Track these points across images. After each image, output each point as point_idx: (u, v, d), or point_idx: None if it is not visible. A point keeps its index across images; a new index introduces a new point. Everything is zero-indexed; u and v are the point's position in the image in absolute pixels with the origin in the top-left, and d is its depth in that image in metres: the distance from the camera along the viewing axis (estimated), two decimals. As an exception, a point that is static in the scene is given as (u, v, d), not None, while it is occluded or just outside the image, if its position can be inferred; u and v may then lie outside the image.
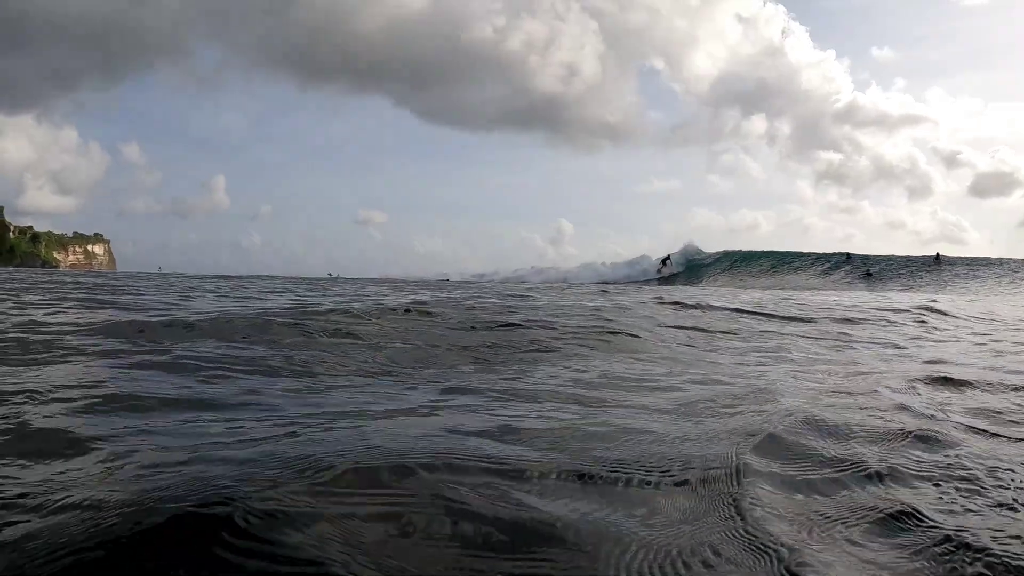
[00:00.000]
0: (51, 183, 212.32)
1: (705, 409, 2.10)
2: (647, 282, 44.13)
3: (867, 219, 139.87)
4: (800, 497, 1.37)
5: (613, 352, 3.73)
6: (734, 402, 2.20)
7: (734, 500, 1.27)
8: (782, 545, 1.10)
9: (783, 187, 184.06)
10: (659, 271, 49.83)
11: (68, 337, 3.65)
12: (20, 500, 1.20)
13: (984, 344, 5.01)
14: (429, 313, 5.12)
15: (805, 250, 47.16)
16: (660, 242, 52.22)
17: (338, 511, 1.07)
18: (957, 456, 1.72)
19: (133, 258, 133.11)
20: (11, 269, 46.82)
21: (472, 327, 4.50)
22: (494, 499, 1.17)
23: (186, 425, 1.76)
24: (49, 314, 5.39)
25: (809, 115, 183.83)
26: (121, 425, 1.74)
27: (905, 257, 42.86)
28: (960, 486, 1.50)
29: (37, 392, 2.11)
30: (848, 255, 45.15)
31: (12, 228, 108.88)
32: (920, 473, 1.59)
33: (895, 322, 6.56)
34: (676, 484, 1.34)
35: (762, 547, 1.10)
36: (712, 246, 52.08)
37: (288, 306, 6.39)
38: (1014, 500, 1.42)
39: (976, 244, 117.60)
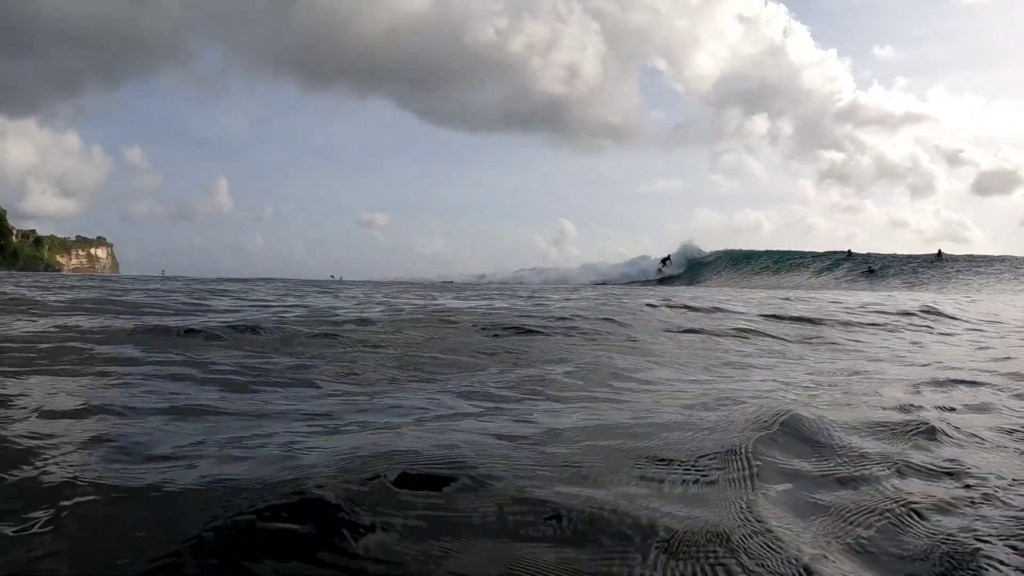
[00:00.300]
0: (54, 187, 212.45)
1: (720, 407, 2.27)
2: (648, 283, 44.16)
3: (870, 218, 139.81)
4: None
5: (631, 355, 3.88)
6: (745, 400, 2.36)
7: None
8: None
9: (785, 187, 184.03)
10: (659, 271, 49.84)
11: (104, 347, 3.81)
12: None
13: (988, 347, 5.16)
14: (452, 322, 5.29)
15: (807, 249, 47.11)
16: (663, 242, 52.34)
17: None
18: (958, 461, 1.88)
19: (136, 261, 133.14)
20: (16, 273, 47.09)
21: (495, 334, 4.68)
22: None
23: (293, 426, 1.91)
24: (74, 319, 5.55)
25: (811, 114, 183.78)
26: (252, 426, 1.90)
27: (907, 255, 42.84)
28: (956, 486, 1.66)
29: (114, 403, 2.27)
30: (849, 252, 45.12)
31: (15, 232, 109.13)
32: (915, 471, 1.74)
33: (899, 325, 6.71)
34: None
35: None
36: (714, 246, 52.04)
37: (305, 313, 6.56)
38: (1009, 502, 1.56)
39: (979, 242, 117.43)
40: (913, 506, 1.51)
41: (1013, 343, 5.59)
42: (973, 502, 1.57)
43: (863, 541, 1.35)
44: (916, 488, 1.64)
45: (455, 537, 1.22)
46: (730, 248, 51.15)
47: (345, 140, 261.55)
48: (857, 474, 1.73)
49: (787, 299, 12.02)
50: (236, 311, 6.89)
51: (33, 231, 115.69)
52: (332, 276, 51.18)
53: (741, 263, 47.88)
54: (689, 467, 1.64)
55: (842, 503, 1.51)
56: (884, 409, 2.48)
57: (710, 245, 52.08)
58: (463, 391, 2.68)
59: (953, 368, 3.79)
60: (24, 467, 1.54)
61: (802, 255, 46.31)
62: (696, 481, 1.55)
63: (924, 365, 3.94)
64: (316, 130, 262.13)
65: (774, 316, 6.89)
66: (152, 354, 3.61)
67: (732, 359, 4.01)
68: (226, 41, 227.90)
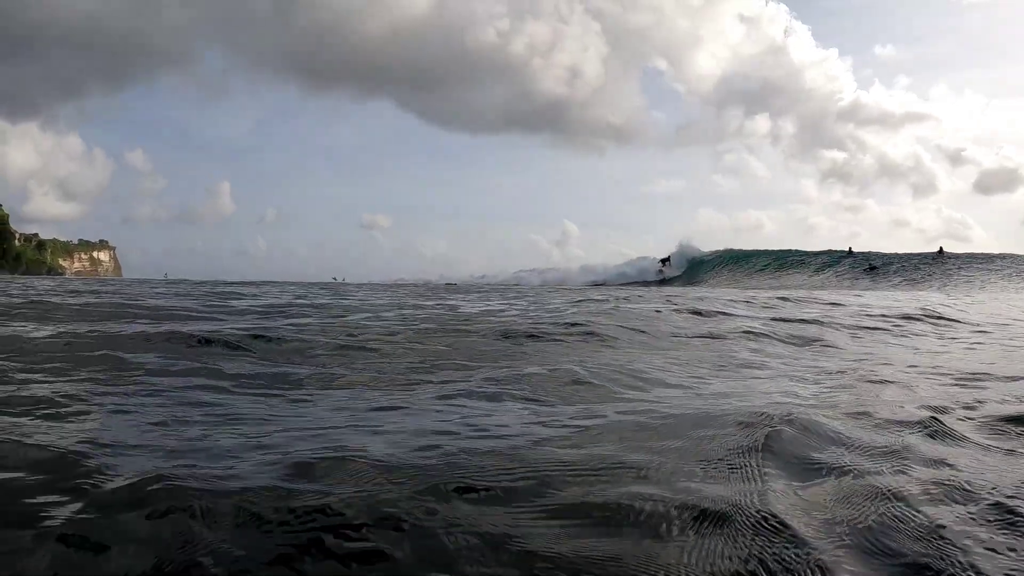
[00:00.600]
0: (56, 190, 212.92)
1: (735, 408, 2.43)
2: (647, 284, 44.19)
3: (872, 217, 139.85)
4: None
5: (654, 358, 4.05)
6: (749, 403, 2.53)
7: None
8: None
9: (787, 186, 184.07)
10: (659, 272, 49.85)
11: (151, 356, 3.96)
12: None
13: (992, 350, 5.31)
14: (469, 332, 5.46)
15: (811, 249, 47.08)
16: (665, 243, 52.38)
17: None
18: (955, 466, 2.04)
19: (138, 265, 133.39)
20: (20, 277, 47.30)
21: (518, 342, 4.89)
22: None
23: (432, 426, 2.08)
24: (99, 325, 5.69)
25: (812, 114, 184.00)
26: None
27: (908, 254, 42.90)
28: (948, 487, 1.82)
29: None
30: (850, 250, 45.17)
31: (18, 236, 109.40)
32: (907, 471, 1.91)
33: (905, 330, 6.86)
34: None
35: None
36: (716, 246, 52.04)
37: (328, 318, 6.72)
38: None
39: (981, 241, 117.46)
40: (901, 498, 1.68)
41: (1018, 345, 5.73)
42: (960, 497, 1.74)
43: (855, 523, 1.54)
44: (905, 483, 1.80)
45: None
46: (730, 248, 51.20)
47: (347, 142, 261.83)
48: (853, 468, 1.91)
49: (789, 300, 12.16)
50: (256, 323, 7.04)
51: (36, 235, 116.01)
52: (334, 278, 51.22)
53: (741, 262, 47.89)
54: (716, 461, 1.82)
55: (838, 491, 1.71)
56: (885, 410, 2.65)
57: (712, 245, 52.16)
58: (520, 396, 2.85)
59: (955, 373, 3.94)
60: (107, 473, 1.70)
61: (803, 254, 46.34)
62: (719, 469, 1.75)
63: (930, 368, 4.09)
64: (318, 132, 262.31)
65: (781, 319, 7.05)
66: (182, 362, 3.78)
67: (741, 362, 4.17)
68: (228, 44, 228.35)
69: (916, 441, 2.27)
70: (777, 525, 1.48)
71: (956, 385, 3.49)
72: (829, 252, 45.52)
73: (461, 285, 35.05)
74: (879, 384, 3.46)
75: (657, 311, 7.28)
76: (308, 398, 2.90)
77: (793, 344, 5.54)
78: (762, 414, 2.38)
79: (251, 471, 1.74)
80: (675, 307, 8.22)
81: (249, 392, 3.01)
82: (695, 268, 49.29)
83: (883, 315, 8.20)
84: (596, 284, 43.95)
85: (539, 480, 1.70)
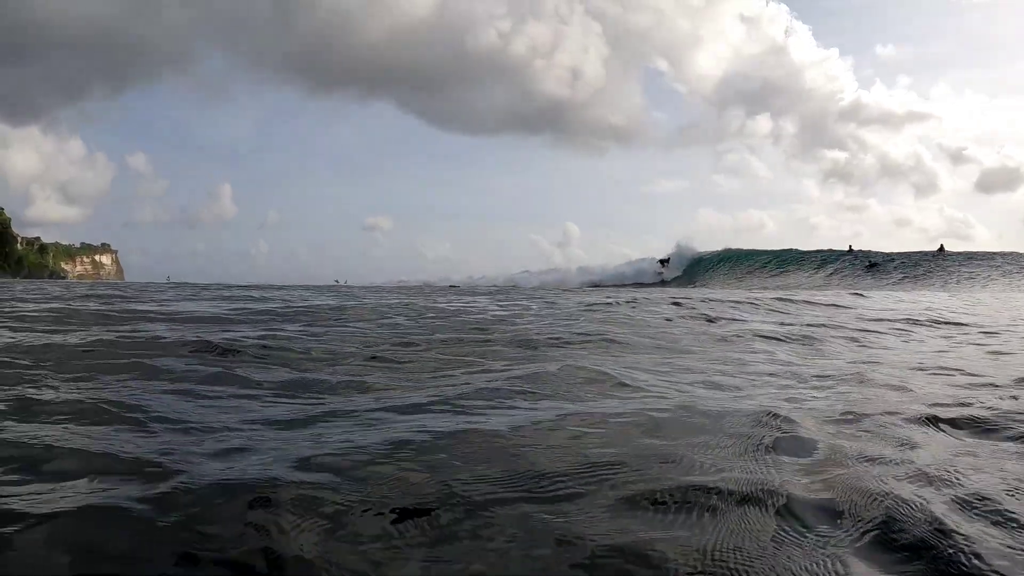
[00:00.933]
0: (58, 194, 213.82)
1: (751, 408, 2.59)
2: (647, 285, 44.24)
3: (874, 217, 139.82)
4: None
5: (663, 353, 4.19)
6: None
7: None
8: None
9: (789, 186, 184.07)
10: (658, 274, 49.81)
11: (181, 363, 4.10)
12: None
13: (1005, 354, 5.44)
14: (487, 340, 5.61)
15: (811, 248, 47.14)
16: (667, 243, 52.34)
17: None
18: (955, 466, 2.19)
19: (140, 268, 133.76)
20: (24, 281, 47.40)
21: (534, 347, 5.04)
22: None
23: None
24: (131, 331, 5.83)
25: (813, 114, 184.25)
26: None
27: (909, 252, 42.99)
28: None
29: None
30: (850, 248, 45.23)
31: (20, 239, 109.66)
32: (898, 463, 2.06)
33: (912, 335, 7.00)
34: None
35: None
36: (717, 246, 52.01)
37: (367, 327, 6.86)
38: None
39: (983, 240, 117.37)
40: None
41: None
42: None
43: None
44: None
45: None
46: (730, 247, 51.20)
47: (349, 144, 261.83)
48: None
49: (793, 302, 12.29)
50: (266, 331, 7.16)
51: (38, 238, 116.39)
52: (336, 280, 51.30)
53: (741, 262, 47.87)
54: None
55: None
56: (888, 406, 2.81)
57: (714, 245, 52.14)
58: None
59: (962, 374, 4.07)
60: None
61: (803, 253, 46.37)
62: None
63: (937, 369, 4.22)
64: (319, 134, 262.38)
65: (788, 324, 7.20)
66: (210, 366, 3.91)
67: (751, 365, 4.31)
68: (229, 46, 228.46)
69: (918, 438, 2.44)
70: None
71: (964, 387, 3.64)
72: (829, 251, 45.59)
73: (463, 287, 35.18)
74: (885, 388, 3.60)
75: (668, 319, 7.43)
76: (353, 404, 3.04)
77: (801, 345, 5.70)
78: (770, 413, 2.58)
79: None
80: (684, 311, 8.38)
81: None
82: (695, 268, 49.28)
83: (888, 319, 8.34)
84: (595, 285, 44.01)
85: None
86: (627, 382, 3.50)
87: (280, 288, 22.37)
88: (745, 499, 1.77)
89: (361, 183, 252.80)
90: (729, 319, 7.79)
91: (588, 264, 55.63)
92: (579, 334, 6.00)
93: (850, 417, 2.83)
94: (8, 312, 8.06)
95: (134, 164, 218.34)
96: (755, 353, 5.12)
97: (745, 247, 50.72)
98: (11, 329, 6.06)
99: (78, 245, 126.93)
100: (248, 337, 5.62)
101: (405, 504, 1.72)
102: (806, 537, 1.61)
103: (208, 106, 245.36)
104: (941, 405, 3.10)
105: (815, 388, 3.63)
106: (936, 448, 2.39)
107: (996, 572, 1.47)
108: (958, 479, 2.03)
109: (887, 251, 43.71)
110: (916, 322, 8.03)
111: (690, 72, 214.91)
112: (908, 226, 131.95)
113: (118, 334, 5.88)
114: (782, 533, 1.62)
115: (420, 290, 21.72)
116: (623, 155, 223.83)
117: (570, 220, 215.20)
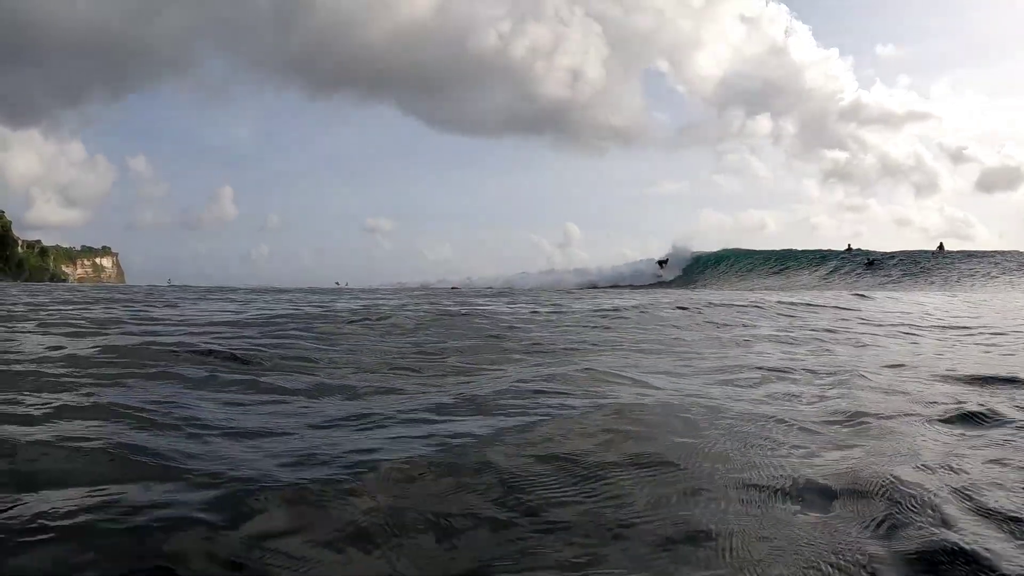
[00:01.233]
0: (58, 197, 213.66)
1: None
2: (646, 286, 44.24)
3: (875, 217, 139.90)
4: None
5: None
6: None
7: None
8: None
9: (789, 186, 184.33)
10: (657, 276, 49.77)
11: (229, 374, 4.20)
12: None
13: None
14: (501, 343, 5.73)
15: (812, 248, 47.15)
16: (668, 244, 52.34)
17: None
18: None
19: (141, 270, 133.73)
20: (31, 284, 47.37)
21: (545, 352, 5.19)
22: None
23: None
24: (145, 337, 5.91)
25: (814, 114, 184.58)
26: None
27: (908, 251, 43.08)
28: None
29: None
30: (849, 247, 45.29)
31: (20, 242, 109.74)
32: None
33: (920, 340, 7.12)
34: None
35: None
36: (718, 246, 52.02)
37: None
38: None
39: (984, 239, 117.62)
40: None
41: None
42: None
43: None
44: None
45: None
46: (729, 247, 51.21)
47: (350, 146, 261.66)
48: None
49: (796, 304, 12.40)
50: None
51: (38, 241, 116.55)
52: (337, 282, 51.32)
53: (740, 262, 47.88)
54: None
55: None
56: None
57: (714, 246, 52.15)
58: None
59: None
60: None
61: (801, 253, 46.43)
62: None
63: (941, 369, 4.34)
64: (321, 137, 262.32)
65: (794, 328, 7.33)
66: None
67: (760, 367, 4.44)
68: (231, 49, 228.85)
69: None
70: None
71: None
72: (827, 251, 45.65)
73: (464, 288, 35.24)
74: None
75: (676, 326, 7.55)
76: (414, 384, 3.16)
77: (808, 347, 5.83)
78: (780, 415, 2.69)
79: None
80: (690, 315, 8.50)
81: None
82: (693, 268, 49.29)
83: (892, 323, 8.46)
84: (593, 287, 44.03)
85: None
86: (655, 384, 3.63)
87: (284, 291, 22.44)
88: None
89: (362, 185, 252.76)
90: (736, 324, 7.92)
91: (586, 266, 55.69)
92: (590, 342, 6.12)
93: (860, 417, 2.98)
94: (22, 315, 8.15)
95: (135, 166, 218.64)
96: (761, 355, 5.25)
97: (746, 248, 50.76)
98: (33, 333, 6.16)
99: (79, 248, 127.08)
100: (264, 346, 5.69)
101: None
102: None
103: (209, 108, 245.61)
104: (948, 404, 3.25)
105: (824, 388, 3.78)
106: (948, 445, 2.53)
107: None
108: (967, 472, 2.17)
109: (889, 250, 43.88)
110: (920, 326, 8.15)
111: (690, 73, 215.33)
112: (909, 226, 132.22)
113: (137, 341, 5.94)
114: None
115: (424, 293, 21.83)
116: (624, 156, 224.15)
117: (571, 221, 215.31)
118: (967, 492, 2.03)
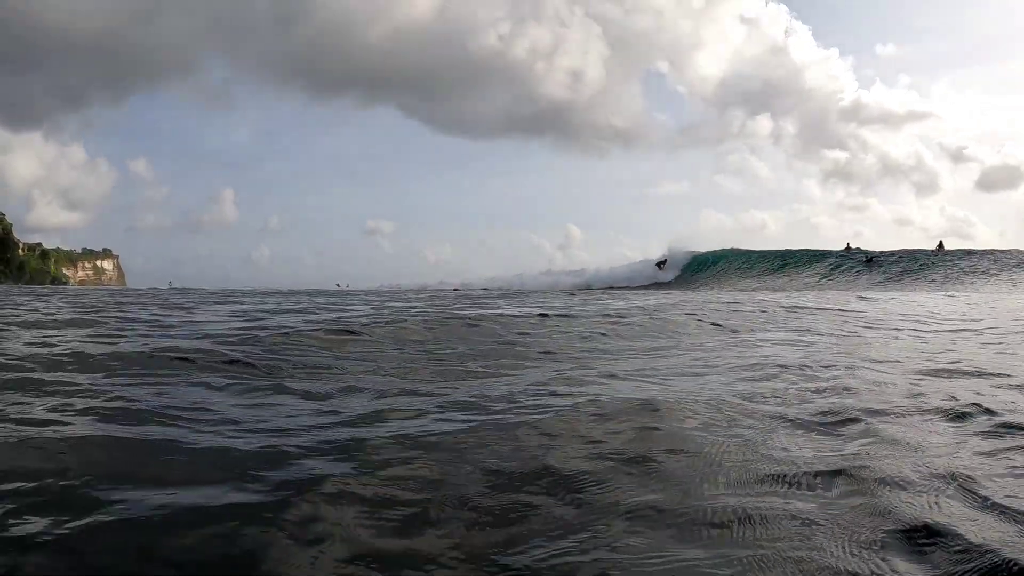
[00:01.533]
0: (59, 199, 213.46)
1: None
2: (645, 286, 44.27)
3: (876, 216, 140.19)
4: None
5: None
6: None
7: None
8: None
9: (790, 186, 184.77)
10: (656, 275, 49.79)
11: (254, 380, 4.31)
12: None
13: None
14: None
15: (813, 248, 47.19)
16: (666, 245, 52.41)
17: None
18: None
19: (142, 273, 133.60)
20: (40, 287, 47.40)
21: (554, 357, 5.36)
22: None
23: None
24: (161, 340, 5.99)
25: (814, 114, 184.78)
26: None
27: (907, 250, 43.19)
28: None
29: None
30: (848, 246, 45.37)
31: (21, 245, 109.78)
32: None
33: (927, 342, 7.24)
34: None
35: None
36: (718, 247, 52.01)
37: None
38: None
39: (985, 238, 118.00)
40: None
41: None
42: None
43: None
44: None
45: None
46: (727, 247, 51.24)
47: (350, 148, 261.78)
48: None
49: (798, 306, 12.54)
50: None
51: (39, 244, 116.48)
52: (338, 284, 51.32)
53: (739, 263, 47.88)
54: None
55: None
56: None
57: (715, 246, 52.15)
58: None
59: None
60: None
61: (800, 252, 46.48)
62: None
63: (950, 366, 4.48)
64: (321, 139, 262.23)
65: (805, 330, 7.48)
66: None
67: (768, 369, 4.59)
68: (230, 52, 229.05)
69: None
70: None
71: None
72: (827, 251, 45.70)
73: (463, 289, 35.33)
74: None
75: (687, 333, 7.70)
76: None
77: (812, 349, 5.97)
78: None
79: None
80: (698, 320, 8.63)
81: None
82: (693, 269, 49.31)
83: (895, 326, 8.59)
84: (591, 288, 44.11)
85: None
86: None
87: (286, 294, 22.54)
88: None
89: (363, 187, 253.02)
90: (743, 327, 8.06)
91: (586, 267, 55.80)
92: (601, 349, 6.26)
93: (869, 417, 3.15)
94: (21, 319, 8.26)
95: (136, 169, 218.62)
96: (767, 358, 5.40)
97: (747, 248, 50.79)
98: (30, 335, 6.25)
99: (79, 251, 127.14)
100: (277, 356, 5.76)
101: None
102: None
103: (209, 111, 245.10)
104: (958, 402, 3.42)
105: (823, 385, 3.96)
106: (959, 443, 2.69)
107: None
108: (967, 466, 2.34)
109: (890, 249, 43.98)
110: (923, 331, 8.28)
111: (691, 73, 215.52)
112: (909, 226, 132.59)
113: (150, 347, 5.98)
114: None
115: (429, 297, 21.93)
116: (625, 157, 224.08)
117: (572, 222, 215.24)
118: (967, 486, 2.21)
